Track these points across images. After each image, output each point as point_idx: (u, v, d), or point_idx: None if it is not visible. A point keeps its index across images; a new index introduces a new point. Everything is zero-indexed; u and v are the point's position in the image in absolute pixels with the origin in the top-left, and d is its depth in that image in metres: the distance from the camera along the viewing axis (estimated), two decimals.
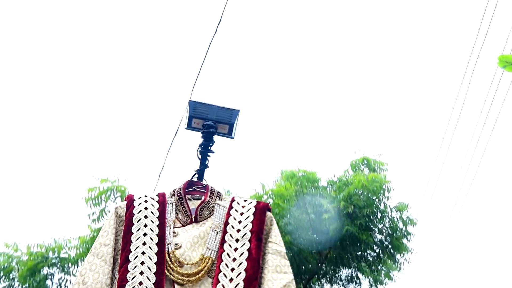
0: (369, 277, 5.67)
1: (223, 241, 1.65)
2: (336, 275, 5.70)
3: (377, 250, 5.14)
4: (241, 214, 1.74)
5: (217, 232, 1.68)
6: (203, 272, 1.56)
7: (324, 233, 5.00)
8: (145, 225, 1.65)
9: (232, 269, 1.57)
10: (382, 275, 5.60)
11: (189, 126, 2.16)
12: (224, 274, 1.55)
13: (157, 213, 1.70)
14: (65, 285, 5.08)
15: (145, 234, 1.62)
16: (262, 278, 1.59)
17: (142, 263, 1.54)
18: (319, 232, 5.05)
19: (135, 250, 1.57)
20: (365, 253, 5.17)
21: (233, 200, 1.81)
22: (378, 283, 5.78)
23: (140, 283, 1.48)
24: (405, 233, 5.13)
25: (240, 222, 1.71)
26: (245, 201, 1.81)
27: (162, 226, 1.66)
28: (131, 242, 1.60)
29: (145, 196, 1.78)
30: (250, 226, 1.69)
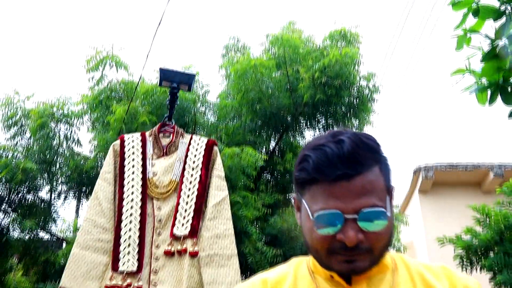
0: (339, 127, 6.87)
1: (184, 169, 2.77)
2: (311, 124, 6.92)
3: (345, 110, 6.24)
4: (196, 149, 2.83)
5: (180, 163, 2.79)
6: (171, 191, 2.71)
7: (299, 97, 6.04)
8: (133, 159, 2.76)
9: (189, 189, 2.72)
10: (352, 126, 6.79)
11: (160, 85, 3.10)
12: (184, 191, 2.71)
13: (140, 150, 2.79)
14: (70, 134, 6.34)
15: (133, 166, 2.74)
16: (208, 193, 2.75)
17: (132, 186, 2.69)
18: (295, 95, 6.08)
19: (127, 177, 2.70)
20: (335, 110, 6.28)
21: (191, 138, 2.88)
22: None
23: (132, 200, 2.66)
24: (370, 99, 6.15)
25: (195, 155, 2.81)
26: (199, 139, 2.88)
27: (144, 159, 2.76)
28: (124, 172, 2.72)
29: (132, 136, 2.85)
30: (201, 159, 2.80)
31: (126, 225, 2.60)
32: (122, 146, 2.80)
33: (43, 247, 6.94)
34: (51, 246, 7.35)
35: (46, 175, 6.50)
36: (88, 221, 2.61)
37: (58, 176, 6.55)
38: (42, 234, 6.94)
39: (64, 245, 7.38)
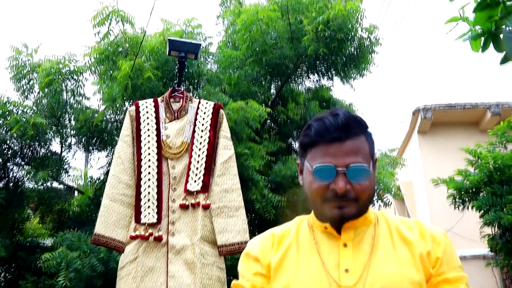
0: (340, 76, 7.07)
1: (194, 131, 3.11)
2: (313, 73, 7.15)
3: (345, 60, 6.45)
4: (204, 113, 3.15)
5: (190, 126, 3.12)
6: (183, 151, 3.06)
7: (302, 48, 6.24)
8: (148, 123, 3.08)
9: (199, 149, 3.06)
10: (351, 75, 6.99)
11: (169, 55, 3.37)
12: (195, 151, 3.06)
13: (154, 114, 3.11)
14: (77, 89, 6.59)
15: (148, 130, 3.07)
16: (216, 152, 3.09)
17: (149, 148, 3.03)
18: (298, 46, 6.27)
19: (143, 140, 3.04)
20: (336, 61, 6.49)
21: (199, 102, 3.20)
22: (347, 78, 7.20)
23: (149, 160, 3.01)
24: (370, 51, 6.35)
25: (203, 118, 3.13)
26: (207, 103, 3.20)
27: (157, 123, 3.09)
28: (141, 135, 3.05)
29: (146, 102, 3.17)
30: (209, 121, 3.12)
31: (145, 182, 2.98)
32: (137, 111, 3.12)
33: (57, 197, 7.36)
34: (64, 195, 7.79)
35: (56, 129, 6.82)
36: (114, 177, 2.99)
37: (68, 130, 6.88)
38: (55, 184, 7.36)
39: (76, 194, 7.86)
